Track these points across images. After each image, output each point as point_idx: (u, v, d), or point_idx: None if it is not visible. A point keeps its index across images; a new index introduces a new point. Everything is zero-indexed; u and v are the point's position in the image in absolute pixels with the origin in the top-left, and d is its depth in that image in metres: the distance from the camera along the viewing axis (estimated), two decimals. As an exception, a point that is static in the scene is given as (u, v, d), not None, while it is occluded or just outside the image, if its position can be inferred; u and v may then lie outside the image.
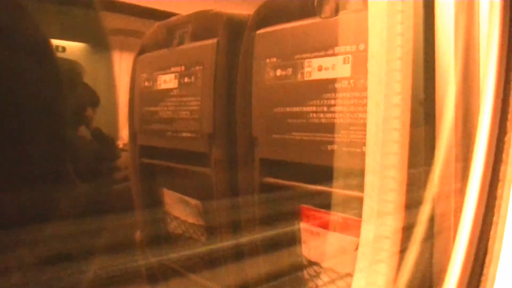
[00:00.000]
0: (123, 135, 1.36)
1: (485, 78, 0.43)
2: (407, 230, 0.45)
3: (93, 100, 1.30)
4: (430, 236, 0.46)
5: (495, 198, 0.40)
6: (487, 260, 0.39)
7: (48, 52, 0.62)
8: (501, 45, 0.42)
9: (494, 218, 0.39)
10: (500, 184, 0.40)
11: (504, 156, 0.40)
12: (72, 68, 1.12)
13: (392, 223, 0.45)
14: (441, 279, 0.43)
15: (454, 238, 0.42)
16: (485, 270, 0.39)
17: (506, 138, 0.41)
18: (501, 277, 0.38)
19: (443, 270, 0.42)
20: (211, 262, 0.95)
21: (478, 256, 0.40)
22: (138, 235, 1.17)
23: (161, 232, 1.11)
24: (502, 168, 0.40)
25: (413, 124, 0.46)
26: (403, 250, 0.45)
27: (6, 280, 0.57)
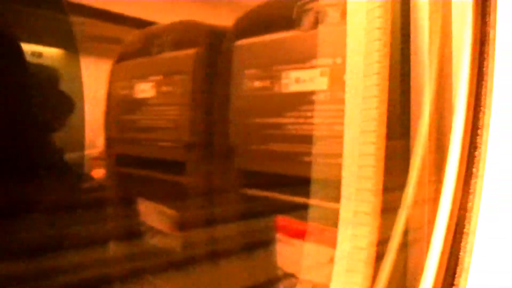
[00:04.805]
0: (99, 143, 1.34)
1: (457, 93, 0.44)
2: (383, 241, 0.46)
3: (68, 106, 1.27)
4: (404, 247, 0.47)
5: (466, 210, 0.41)
6: (458, 270, 0.40)
7: (17, 54, 0.61)
8: (472, 62, 0.43)
9: (465, 230, 0.40)
10: (470, 197, 0.41)
11: (474, 170, 0.42)
12: (47, 74, 1.10)
13: (368, 234, 0.46)
14: (414, 289, 0.44)
15: (427, 249, 0.43)
16: (456, 280, 0.40)
17: (476, 153, 0.42)
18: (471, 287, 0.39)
19: (417, 280, 0.43)
20: (186, 272, 0.94)
21: (450, 267, 0.41)
22: (111, 245, 1.15)
23: (136, 242, 1.09)
24: (473, 181, 0.42)
25: (389, 137, 0.47)
26: (378, 261, 0.46)
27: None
